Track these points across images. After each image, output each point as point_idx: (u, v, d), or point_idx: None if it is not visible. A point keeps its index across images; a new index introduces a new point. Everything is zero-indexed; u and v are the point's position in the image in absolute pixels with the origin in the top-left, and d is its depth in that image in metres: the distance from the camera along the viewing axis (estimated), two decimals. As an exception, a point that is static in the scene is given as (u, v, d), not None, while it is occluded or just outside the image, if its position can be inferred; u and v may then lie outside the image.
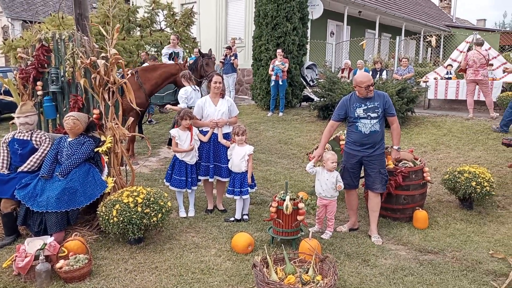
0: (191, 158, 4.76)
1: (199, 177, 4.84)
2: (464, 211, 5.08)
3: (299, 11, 10.76)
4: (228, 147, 4.71)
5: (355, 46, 15.67)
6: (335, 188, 4.30)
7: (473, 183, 4.85)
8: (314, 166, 4.36)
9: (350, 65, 12.24)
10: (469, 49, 11.16)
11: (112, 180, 4.17)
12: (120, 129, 4.28)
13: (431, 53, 20.28)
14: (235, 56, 11.96)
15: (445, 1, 30.41)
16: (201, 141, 4.78)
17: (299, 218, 3.98)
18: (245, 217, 4.71)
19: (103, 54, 4.21)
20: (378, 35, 18.84)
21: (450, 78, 10.30)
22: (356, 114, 4.24)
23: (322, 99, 9.59)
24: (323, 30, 17.26)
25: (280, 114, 10.27)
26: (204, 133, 4.81)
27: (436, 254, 4.04)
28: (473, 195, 4.90)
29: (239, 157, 4.60)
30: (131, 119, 4.52)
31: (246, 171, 4.62)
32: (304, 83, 11.40)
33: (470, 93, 8.80)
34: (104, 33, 4.29)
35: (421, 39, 19.14)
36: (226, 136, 4.83)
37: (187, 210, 4.84)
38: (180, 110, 4.83)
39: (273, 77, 9.95)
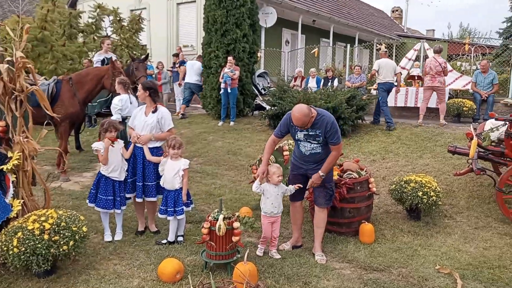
0: (119, 174, 4.29)
1: (126, 195, 4.36)
2: (412, 222, 4.90)
3: (249, 18, 10.50)
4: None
5: (309, 54, 15.68)
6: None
7: (420, 193, 4.68)
8: (260, 184, 3.98)
9: (302, 74, 12.13)
10: (417, 57, 11.38)
11: (19, 202, 3.62)
12: (30, 144, 3.74)
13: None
14: (182, 63, 11.54)
15: (396, 12, 31.47)
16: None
17: (234, 239, 3.61)
18: (180, 238, 4.27)
19: (8, 58, 3.67)
20: (333, 43, 19.04)
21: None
22: (297, 137, 3.95)
23: (273, 108, 9.33)
24: (278, 39, 17.21)
25: (231, 123, 9.91)
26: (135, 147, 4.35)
27: (382, 272, 3.79)
28: (420, 205, 4.73)
29: (172, 172, 4.17)
30: (44, 131, 3.98)
31: (181, 188, 4.20)
32: (256, 91, 11.14)
33: (426, 100, 8.87)
34: (11, 33, 3.75)
35: (374, 47, 19.58)
36: (157, 150, 4.38)
37: (114, 233, 4.34)
38: (105, 121, 4.33)
39: (222, 85, 9.60)
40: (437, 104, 8.96)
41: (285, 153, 5.06)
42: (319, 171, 3.88)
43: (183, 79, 11.33)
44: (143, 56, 8.10)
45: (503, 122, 4.69)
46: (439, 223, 4.91)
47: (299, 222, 4.30)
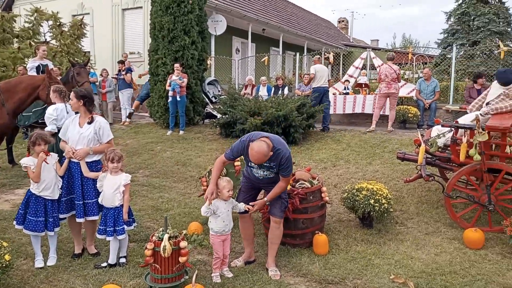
0: (52, 192, 3.86)
1: (61, 215, 3.93)
2: (365, 230, 4.86)
3: (197, 25, 10.27)
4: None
5: (260, 62, 15.67)
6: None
7: (372, 201, 4.65)
8: (209, 206, 3.63)
9: (253, 82, 12.03)
10: (364, 66, 11.67)
11: None
12: None
13: (332, 70, 21.24)
14: (128, 70, 11.05)
15: (342, 23, 32.56)
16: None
17: (182, 259, 3.32)
18: (122, 260, 3.90)
19: None
20: (282, 52, 19.21)
21: (347, 94, 10.57)
22: (250, 164, 3.74)
23: (224, 116, 9.11)
24: (229, 47, 17.10)
25: (181, 132, 9.56)
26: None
27: (337, 285, 3.67)
28: (372, 213, 4.69)
29: (112, 188, 3.82)
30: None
31: (121, 206, 3.84)
32: (206, 99, 10.87)
33: (379, 107, 9.05)
34: None
35: (322, 56, 20.02)
36: (95, 164, 4.00)
37: (47, 258, 3.89)
38: (33, 133, 3.89)
39: (170, 93, 9.26)
40: (390, 108, 9.17)
41: (236, 163, 4.85)
42: (265, 198, 3.79)
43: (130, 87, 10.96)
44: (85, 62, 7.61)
45: (449, 128, 4.79)
46: (391, 230, 4.90)
47: (251, 236, 4.09)
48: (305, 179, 4.62)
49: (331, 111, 10.58)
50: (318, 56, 10.03)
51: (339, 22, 32.57)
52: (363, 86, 10.59)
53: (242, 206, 3.79)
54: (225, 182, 3.67)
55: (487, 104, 4.93)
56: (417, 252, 4.30)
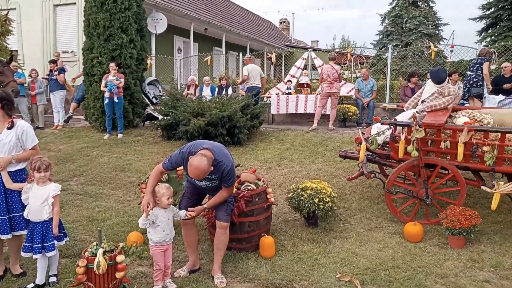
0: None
1: (-23, 233, 3.50)
2: (310, 230, 4.86)
3: (135, 22, 9.83)
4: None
5: (203, 62, 15.41)
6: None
7: (316, 200, 4.65)
8: (147, 217, 3.38)
9: (196, 82, 11.77)
10: (305, 66, 11.85)
11: None
12: None
13: (274, 70, 21.46)
14: (61, 70, 10.34)
15: (284, 24, 33.08)
16: None
17: (119, 275, 3.07)
18: (52, 279, 3.54)
19: None
20: (225, 52, 19.07)
21: (290, 93, 10.66)
22: (190, 178, 3.53)
23: (166, 117, 8.79)
24: (170, 46, 16.66)
25: (119, 135, 9.09)
26: None
27: (284, 288, 3.60)
28: (317, 212, 4.70)
29: (39, 200, 3.45)
30: None
31: (50, 219, 3.49)
32: (147, 100, 10.46)
33: (321, 106, 9.22)
34: None
35: (264, 56, 20.18)
36: (20, 174, 3.61)
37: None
38: None
39: (106, 94, 8.76)
40: (331, 107, 9.37)
41: (179, 168, 4.62)
42: (205, 205, 3.66)
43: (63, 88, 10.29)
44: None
45: (388, 126, 4.93)
46: (335, 228, 4.94)
47: (194, 243, 3.91)
48: (251, 180, 4.52)
49: (274, 111, 10.63)
50: (249, 56, 10.31)
51: (281, 23, 33.06)
52: (305, 86, 10.74)
53: (183, 214, 3.60)
54: (163, 189, 3.45)
55: (423, 102, 5.14)
56: (361, 249, 4.36)
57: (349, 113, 9.81)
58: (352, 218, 5.23)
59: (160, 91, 10.94)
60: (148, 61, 12.34)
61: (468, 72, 8.81)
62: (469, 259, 4.03)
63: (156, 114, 9.77)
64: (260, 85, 9.96)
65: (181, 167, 4.55)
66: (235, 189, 4.26)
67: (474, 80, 8.57)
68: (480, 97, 8.66)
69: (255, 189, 4.32)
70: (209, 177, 3.46)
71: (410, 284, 3.60)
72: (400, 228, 4.74)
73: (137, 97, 9.92)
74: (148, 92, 10.61)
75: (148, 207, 3.35)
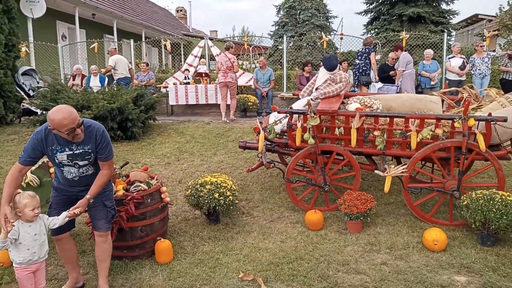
0: None
1: None
2: (212, 227, 4.56)
3: (1, 2, 8.42)
4: None
5: (93, 51, 14.01)
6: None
7: (216, 195, 4.36)
8: (6, 238, 2.72)
9: (82, 71, 10.62)
10: (203, 55, 11.45)
11: None
12: None
13: (172, 60, 20.65)
14: None
15: (181, 12, 32.06)
16: None
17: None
18: None
19: None
20: (118, 40, 17.72)
21: (188, 83, 10.21)
22: (57, 160, 2.97)
23: (45, 112, 7.71)
24: (53, 33, 14.88)
25: (-12, 135, 7.76)
26: None
27: (183, 296, 3.25)
28: (218, 208, 4.41)
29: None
30: None
31: None
32: (22, 93, 9.11)
33: (224, 97, 9.00)
34: None
35: (162, 45, 19.28)
36: None
37: None
38: None
39: (-34, 87, 7.38)
40: (231, 97, 9.18)
41: (51, 170, 3.95)
42: (87, 195, 3.02)
43: None
44: None
45: (284, 114, 4.82)
46: (238, 222, 4.72)
47: (73, 259, 3.34)
48: (142, 180, 4.05)
49: (173, 102, 10.09)
50: (115, 47, 10.30)
51: (177, 11, 31.99)
52: (204, 75, 10.37)
53: (63, 216, 2.98)
54: (26, 198, 2.82)
55: (316, 89, 5.14)
56: (264, 242, 4.20)
57: (249, 103, 9.71)
58: (255, 210, 5.06)
59: (38, 82, 9.62)
60: (23, 48, 10.81)
61: (357, 61, 9.28)
62: (367, 243, 4.11)
63: (33, 109, 8.55)
64: (130, 76, 9.86)
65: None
66: (122, 191, 3.77)
67: (363, 68, 9.05)
68: (368, 84, 9.21)
69: (146, 189, 3.87)
70: (81, 150, 2.95)
71: (313, 276, 3.52)
72: (302, 217, 4.69)
73: (9, 90, 8.55)
74: (23, 83, 9.25)
75: (6, 222, 2.70)
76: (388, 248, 4.01)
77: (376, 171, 4.37)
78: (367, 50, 9.18)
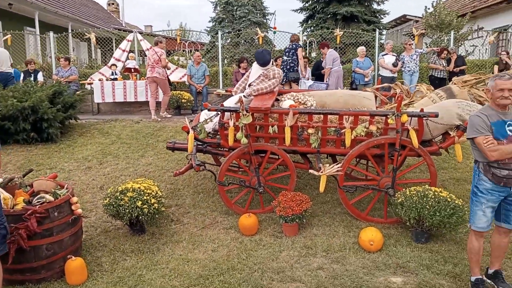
0: None
1: None
2: (136, 238, 4.10)
3: None
4: None
5: (16, 44, 12.60)
6: None
7: (139, 203, 3.91)
8: None
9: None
10: (131, 50, 10.75)
11: None
12: None
13: (103, 56, 19.41)
14: None
15: (113, 6, 30.39)
16: None
17: None
18: None
19: None
20: (41, 33, 16.25)
21: (116, 79, 9.48)
22: None
23: None
24: (-37, 23, 13.27)
25: None
26: None
27: (95, 325, 2.80)
28: (141, 217, 3.96)
29: None
30: None
31: None
32: None
33: (153, 94, 8.53)
34: None
35: (91, 39, 18.02)
36: None
37: None
38: None
39: None
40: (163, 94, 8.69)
41: None
42: None
43: None
44: None
45: (216, 112, 4.47)
46: (166, 231, 4.30)
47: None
48: (48, 190, 3.50)
49: (99, 100, 9.32)
50: None
51: (109, 4, 30.28)
52: (133, 70, 9.70)
53: None
54: None
55: (249, 85, 4.86)
56: (193, 253, 3.83)
57: (183, 100, 9.23)
58: (186, 217, 4.67)
59: None
60: None
61: (284, 57, 9.07)
62: (303, 246, 3.90)
63: None
64: (11, 71, 8.74)
65: None
66: (23, 204, 3.21)
67: (290, 65, 8.87)
68: (297, 81, 9.09)
69: (52, 201, 3.33)
70: None
71: (246, 287, 3.22)
72: (236, 221, 4.38)
73: None
74: None
75: None
76: (324, 251, 3.82)
77: (311, 171, 4.17)
78: (294, 46, 9.01)
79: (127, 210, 3.88)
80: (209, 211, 4.78)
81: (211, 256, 3.76)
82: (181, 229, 4.35)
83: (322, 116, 4.34)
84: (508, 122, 2.86)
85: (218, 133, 4.70)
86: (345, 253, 3.78)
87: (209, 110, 4.45)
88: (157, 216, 4.11)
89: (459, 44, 13.11)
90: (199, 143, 4.74)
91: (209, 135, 4.97)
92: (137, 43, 10.59)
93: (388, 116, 4.14)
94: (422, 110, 4.15)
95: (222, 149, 4.85)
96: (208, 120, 4.51)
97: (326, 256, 3.74)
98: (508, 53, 10.41)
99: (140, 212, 3.91)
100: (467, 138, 3.02)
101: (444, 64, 9.65)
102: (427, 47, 12.94)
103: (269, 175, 4.73)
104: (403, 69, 9.60)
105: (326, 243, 3.96)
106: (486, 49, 14.49)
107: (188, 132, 4.46)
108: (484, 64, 11.73)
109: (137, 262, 3.66)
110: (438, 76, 9.61)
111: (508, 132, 2.84)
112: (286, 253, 3.79)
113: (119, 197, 3.94)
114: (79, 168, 5.85)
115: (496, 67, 10.09)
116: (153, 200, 4.01)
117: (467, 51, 13.39)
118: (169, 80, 8.86)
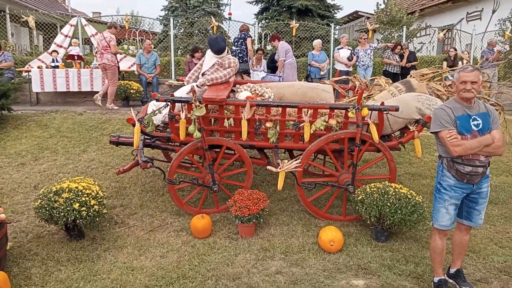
0: None
1: None
2: (73, 245, 3.64)
3: None
4: None
5: None
6: None
7: (76, 205, 3.45)
8: None
9: None
10: (75, 36, 9.94)
11: None
12: None
13: (46, 42, 18.03)
14: None
15: (57, -11, 28.44)
16: None
17: None
18: None
19: None
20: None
21: (57, 67, 8.70)
22: None
23: None
24: None
25: None
26: None
27: None
28: (79, 221, 3.51)
29: None
30: None
31: None
32: None
33: (106, 81, 8.01)
34: None
35: (30, 24, 16.59)
36: None
37: None
38: None
39: None
40: (109, 83, 8.10)
41: None
42: None
43: None
44: None
45: (165, 103, 4.07)
46: (108, 235, 3.87)
47: None
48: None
49: (38, 89, 8.50)
50: None
51: (52, -12, 28.30)
52: (76, 58, 8.95)
53: None
54: None
55: (203, 75, 4.50)
56: (139, 260, 3.44)
57: (131, 91, 8.62)
58: (132, 218, 4.25)
59: None
60: None
61: (233, 48, 8.70)
62: (260, 249, 3.63)
63: None
64: None
65: None
66: None
67: (239, 55, 8.51)
68: (247, 72, 8.79)
69: (-34, 206, 2.81)
70: None
71: (198, 298, 2.91)
72: (188, 223, 4.04)
73: None
74: None
75: None
76: (283, 253, 3.58)
77: (269, 167, 3.90)
78: (243, 35, 8.65)
79: (62, 214, 3.42)
80: (158, 211, 4.38)
81: (160, 263, 3.39)
82: (126, 233, 3.93)
83: (280, 109, 4.08)
84: (473, 117, 2.74)
85: (169, 126, 4.30)
86: (304, 254, 3.56)
87: (157, 100, 4.04)
88: (97, 219, 3.66)
89: (409, 40, 13.43)
90: (146, 137, 4.32)
91: (158, 128, 4.57)
92: (82, 29, 9.79)
93: (349, 110, 3.96)
94: (382, 103, 4.01)
95: (173, 143, 4.47)
96: (157, 112, 4.10)
97: (284, 258, 3.50)
98: (456, 50, 10.74)
99: (77, 216, 3.45)
100: (431, 132, 2.88)
101: (398, 60, 9.76)
102: (378, 43, 13.13)
103: (225, 172, 4.42)
104: (357, 63, 9.60)
105: (285, 244, 3.72)
106: (434, 46, 15.02)
107: (133, 125, 4.03)
108: (434, 61, 12.11)
109: (74, 273, 3.22)
110: (392, 71, 9.71)
111: (473, 127, 2.72)
112: (242, 257, 3.51)
113: (52, 199, 3.46)
114: (11, 165, 5.21)
115: (445, 63, 10.37)
116: (93, 202, 3.56)
117: (415, 48, 13.75)
118: (119, 68, 8.25)
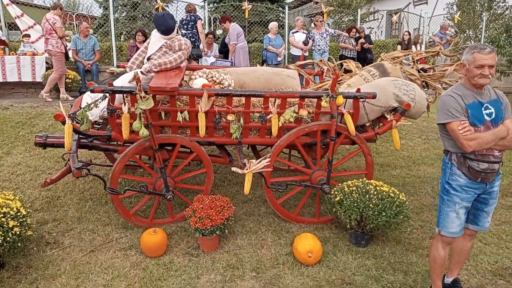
0: None
1: None
2: (-11, 277, 2.86)
3: None
4: None
5: None
6: None
7: (-12, 229, 2.68)
8: None
9: None
10: (18, 15, 8.62)
11: None
12: None
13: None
14: None
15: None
16: None
17: None
18: None
19: None
20: None
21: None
22: None
23: None
24: None
25: None
26: None
27: None
28: (-6, 249, 2.74)
29: None
30: None
31: None
32: None
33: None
34: None
35: None
36: None
37: None
38: None
39: None
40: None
41: None
42: None
43: None
44: None
45: (102, 94, 3.32)
46: (36, 262, 3.11)
47: None
48: None
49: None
50: None
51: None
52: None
53: None
54: None
55: (149, 59, 3.78)
56: (76, 293, 2.75)
57: (67, 80, 7.61)
58: (67, 236, 3.49)
59: None
60: None
61: (183, 31, 7.93)
62: (226, 266, 3.06)
63: None
64: None
65: None
66: None
67: (192, 40, 7.77)
68: (199, 58, 8.09)
69: None
70: None
71: None
72: (138, 238, 3.38)
73: None
74: None
75: None
76: (253, 270, 3.04)
77: (233, 169, 3.30)
78: (193, 18, 7.87)
79: (-32, 242, 2.63)
80: (101, 225, 3.66)
81: (103, 295, 2.73)
82: (60, 256, 3.19)
83: (244, 99, 3.48)
84: (486, 105, 2.31)
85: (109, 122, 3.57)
86: (279, 270, 3.04)
87: (92, 91, 3.28)
88: (19, 244, 2.89)
89: (360, 25, 13.30)
90: (82, 136, 3.56)
91: (97, 125, 3.82)
92: (3, 9, 8.48)
93: (322, 98, 3.45)
94: (358, 90, 3.53)
95: (115, 143, 3.74)
96: (92, 106, 3.34)
97: (256, 277, 2.96)
98: (410, 34, 10.64)
99: (-10, 242, 2.68)
100: (438, 124, 2.41)
101: (354, 44, 9.46)
102: (330, 27, 12.87)
103: (180, 175, 3.77)
104: (313, 47, 9.16)
105: (255, 258, 3.18)
106: (382, 31, 15.04)
107: (63, 123, 3.26)
108: (387, 45, 12.02)
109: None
110: (348, 55, 9.39)
111: (485, 117, 2.30)
112: (206, 278, 2.92)
113: (-46, 224, 2.66)
114: None
115: (399, 47, 10.23)
116: (11, 223, 2.80)
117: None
118: (66, 54, 7.27)
